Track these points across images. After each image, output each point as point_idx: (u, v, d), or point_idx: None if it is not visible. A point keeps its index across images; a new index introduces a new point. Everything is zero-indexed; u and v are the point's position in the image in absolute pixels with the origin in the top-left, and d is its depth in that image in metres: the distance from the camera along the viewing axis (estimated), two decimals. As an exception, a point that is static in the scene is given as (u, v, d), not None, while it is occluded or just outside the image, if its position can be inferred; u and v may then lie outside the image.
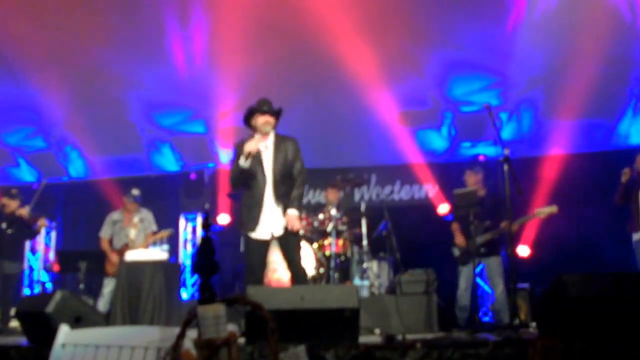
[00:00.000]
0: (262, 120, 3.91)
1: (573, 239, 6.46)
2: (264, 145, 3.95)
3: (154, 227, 6.01)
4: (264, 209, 3.90)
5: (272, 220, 3.90)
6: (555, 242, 6.40)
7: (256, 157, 3.90)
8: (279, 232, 3.90)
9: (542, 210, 5.31)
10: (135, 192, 5.97)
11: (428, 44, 6.19)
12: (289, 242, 3.92)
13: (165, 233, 6.05)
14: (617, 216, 5.74)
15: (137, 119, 7.35)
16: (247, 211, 3.94)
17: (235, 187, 4.01)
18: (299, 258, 3.99)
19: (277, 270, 5.76)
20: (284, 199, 3.91)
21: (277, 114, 3.96)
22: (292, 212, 3.88)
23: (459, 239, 5.41)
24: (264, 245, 3.92)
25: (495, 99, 6.76)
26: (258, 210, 3.89)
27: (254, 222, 3.89)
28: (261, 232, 3.90)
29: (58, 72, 6.57)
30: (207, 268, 2.13)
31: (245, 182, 3.93)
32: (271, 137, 4.00)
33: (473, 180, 5.49)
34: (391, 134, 7.31)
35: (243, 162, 3.82)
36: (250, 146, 3.81)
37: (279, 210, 3.89)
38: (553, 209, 5.24)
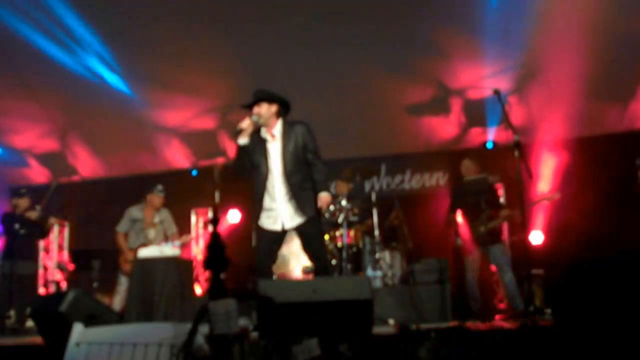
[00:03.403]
0: (255, 112, 3.79)
1: (587, 224, 6.36)
2: (270, 135, 3.85)
3: (173, 229, 5.91)
4: (271, 200, 3.79)
5: (282, 212, 3.78)
6: (570, 228, 6.32)
7: (261, 148, 3.83)
8: (292, 223, 3.78)
9: (548, 196, 5.32)
10: (160, 187, 5.88)
11: (436, 29, 6.10)
12: (310, 233, 3.78)
13: (186, 239, 5.90)
14: (633, 200, 5.65)
15: (145, 116, 7.35)
16: (255, 203, 3.86)
17: (235, 169, 3.88)
18: (323, 249, 3.87)
19: (289, 263, 5.76)
20: (298, 189, 3.77)
21: (267, 101, 3.78)
22: (323, 193, 3.77)
23: (463, 229, 5.36)
24: (273, 236, 3.80)
25: (504, 83, 6.66)
26: (263, 201, 3.80)
27: (259, 213, 3.80)
28: (269, 223, 3.80)
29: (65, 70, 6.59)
30: (218, 263, 2.12)
31: (243, 167, 3.82)
32: (278, 126, 3.86)
33: (473, 170, 5.46)
34: (400, 123, 7.26)
35: (239, 140, 3.74)
36: (241, 124, 3.72)
37: (291, 201, 3.76)
38: (557, 195, 5.25)
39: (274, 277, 5.23)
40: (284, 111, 3.89)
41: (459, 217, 5.46)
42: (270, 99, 3.81)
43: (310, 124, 3.91)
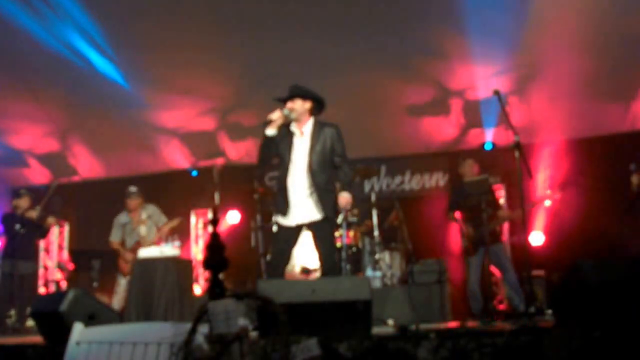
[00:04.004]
0: (288, 107, 3.80)
1: (588, 225, 6.36)
2: (300, 132, 3.84)
3: (163, 219, 5.97)
4: (291, 195, 3.77)
5: (301, 209, 3.75)
6: (570, 228, 6.32)
7: (288, 142, 3.82)
8: (306, 219, 3.75)
9: (547, 195, 5.34)
10: (132, 188, 5.96)
11: (435, 30, 6.11)
12: (323, 231, 3.76)
13: (175, 222, 5.98)
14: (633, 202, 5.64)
15: (145, 116, 7.36)
16: (276, 196, 3.88)
17: (261, 161, 3.90)
18: (333, 249, 3.86)
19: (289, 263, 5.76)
20: (322, 189, 3.74)
21: (302, 97, 3.80)
22: (344, 194, 3.77)
23: (468, 229, 5.36)
24: (289, 233, 3.79)
25: (504, 84, 6.66)
26: (284, 196, 3.79)
27: (280, 208, 3.80)
28: (287, 219, 3.79)
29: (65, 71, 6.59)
30: (217, 263, 2.13)
31: (267, 157, 3.84)
32: (309, 124, 3.84)
33: (473, 171, 5.46)
34: (400, 124, 7.26)
35: (266, 130, 3.75)
36: (271, 115, 3.73)
37: (311, 199, 3.74)
38: (556, 195, 5.27)
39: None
40: (317, 110, 3.89)
41: (457, 217, 5.46)
42: (305, 96, 3.83)
43: (340, 126, 3.90)
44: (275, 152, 3.85)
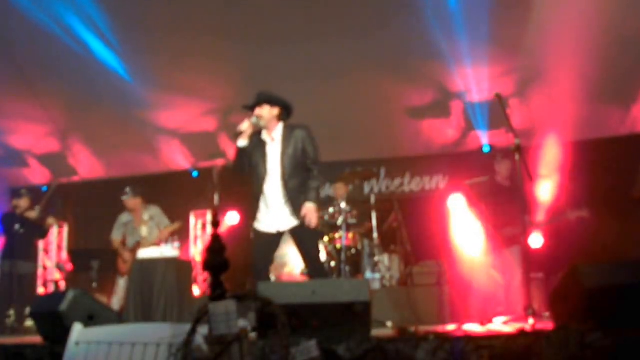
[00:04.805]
0: (256, 114, 3.80)
1: (588, 228, 6.34)
2: (270, 138, 3.85)
3: (166, 222, 5.96)
4: (267, 202, 3.79)
5: (278, 215, 3.78)
6: (570, 231, 6.31)
7: (260, 150, 3.84)
8: (287, 226, 3.78)
9: (573, 213, 5.27)
10: (127, 189, 5.95)
11: (436, 32, 6.11)
12: (303, 235, 3.77)
13: (176, 226, 5.98)
14: (632, 204, 5.64)
15: (145, 117, 7.36)
16: (252, 204, 3.88)
17: (238, 171, 3.90)
18: (316, 252, 3.87)
19: (288, 265, 5.76)
20: (296, 192, 3.76)
21: (269, 103, 3.79)
22: (309, 205, 3.72)
23: (488, 229, 5.29)
24: (269, 238, 3.80)
25: (505, 87, 6.67)
26: (259, 203, 3.81)
27: (256, 215, 3.82)
28: (265, 225, 3.81)
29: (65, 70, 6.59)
30: (217, 265, 2.13)
31: (242, 168, 3.84)
32: (279, 129, 3.86)
33: (506, 168, 5.37)
34: (400, 126, 7.26)
35: (238, 142, 3.77)
36: (241, 126, 3.74)
37: (287, 204, 3.76)
38: (584, 213, 5.20)
39: (273, 278, 5.24)
40: (286, 115, 3.89)
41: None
42: (272, 102, 3.82)
43: (310, 127, 3.91)
44: (249, 161, 3.85)
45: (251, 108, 3.84)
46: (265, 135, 3.87)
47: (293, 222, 3.78)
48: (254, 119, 3.78)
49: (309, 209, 3.73)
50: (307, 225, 3.72)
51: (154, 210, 5.98)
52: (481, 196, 5.26)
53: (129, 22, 6.10)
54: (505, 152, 5.74)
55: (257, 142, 3.86)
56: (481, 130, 7.06)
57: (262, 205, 3.82)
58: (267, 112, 3.80)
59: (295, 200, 3.76)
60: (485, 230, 5.27)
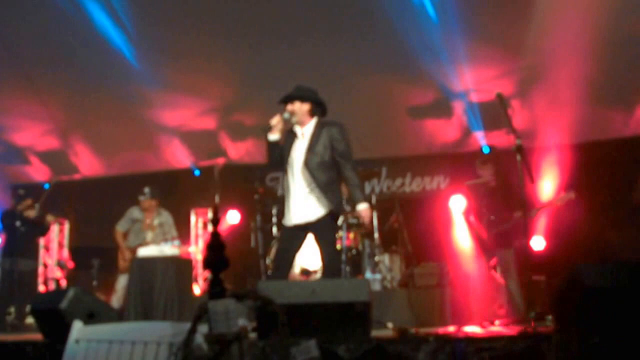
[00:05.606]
0: (288, 110, 3.81)
1: (589, 230, 6.34)
2: (301, 134, 3.85)
3: (173, 232, 5.85)
4: (293, 197, 3.78)
5: (300, 208, 3.74)
6: (571, 234, 6.30)
7: (290, 145, 3.83)
8: (304, 220, 3.73)
9: (561, 197, 5.20)
10: (146, 189, 5.88)
11: (438, 32, 6.10)
12: (320, 233, 3.73)
13: (178, 249, 5.69)
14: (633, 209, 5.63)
15: (146, 115, 7.36)
16: (284, 202, 3.90)
17: (269, 164, 3.95)
18: (332, 251, 3.82)
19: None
20: (320, 189, 3.71)
21: (300, 99, 3.80)
22: (361, 206, 3.74)
23: (479, 231, 5.31)
24: (291, 233, 3.78)
25: (507, 87, 6.66)
26: (287, 198, 3.82)
27: (285, 210, 3.82)
28: (288, 219, 3.81)
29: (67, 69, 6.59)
30: (217, 262, 2.13)
31: (275, 161, 3.86)
32: (310, 125, 3.83)
33: (489, 172, 5.39)
34: (401, 126, 7.25)
35: (269, 136, 3.78)
36: (271, 120, 3.76)
37: (312, 196, 3.72)
38: (571, 195, 5.11)
39: (296, 276, 5.16)
40: (318, 111, 3.88)
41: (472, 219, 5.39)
42: (303, 98, 3.82)
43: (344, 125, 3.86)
44: (281, 155, 3.87)
45: (284, 103, 3.85)
46: (297, 130, 3.88)
47: (311, 217, 3.73)
48: (285, 114, 3.80)
49: (362, 211, 3.75)
50: (324, 220, 3.68)
51: (165, 218, 5.89)
52: (479, 197, 5.26)
53: (128, 21, 6.09)
54: (485, 156, 5.73)
55: (290, 137, 3.88)
56: (482, 131, 7.05)
57: (287, 199, 3.83)
58: (298, 107, 3.81)
59: (318, 196, 3.71)
60: (483, 230, 5.27)
